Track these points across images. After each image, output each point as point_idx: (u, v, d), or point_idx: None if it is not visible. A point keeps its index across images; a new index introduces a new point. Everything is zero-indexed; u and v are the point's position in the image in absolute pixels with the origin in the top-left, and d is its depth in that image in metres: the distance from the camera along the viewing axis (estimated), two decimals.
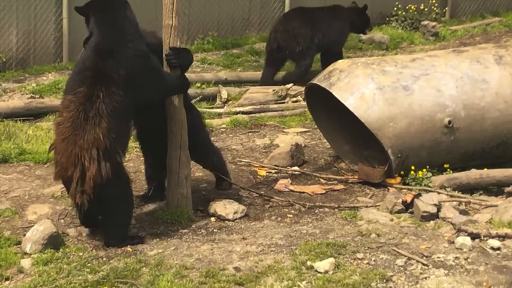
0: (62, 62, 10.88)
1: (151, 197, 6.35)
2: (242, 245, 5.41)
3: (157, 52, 5.87)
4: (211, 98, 9.76)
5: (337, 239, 5.44)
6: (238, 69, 11.20)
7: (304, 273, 4.89)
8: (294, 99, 9.56)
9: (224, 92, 9.70)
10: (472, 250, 5.16)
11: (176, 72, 5.96)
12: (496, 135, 7.03)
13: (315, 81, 7.22)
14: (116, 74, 5.39)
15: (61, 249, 5.41)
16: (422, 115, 6.77)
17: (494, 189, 6.69)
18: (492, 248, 5.17)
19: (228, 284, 4.81)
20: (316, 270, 4.92)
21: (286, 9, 12.85)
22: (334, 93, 6.90)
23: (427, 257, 5.09)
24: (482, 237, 5.30)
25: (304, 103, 8.80)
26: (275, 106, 9.42)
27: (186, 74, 6.09)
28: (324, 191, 6.77)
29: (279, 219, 6.16)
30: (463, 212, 5.95)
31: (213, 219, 6.10)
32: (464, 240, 5.24)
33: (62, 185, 6.04)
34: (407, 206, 6.10)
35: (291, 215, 6.24)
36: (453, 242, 5.28)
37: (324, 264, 4.94)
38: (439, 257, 5.08)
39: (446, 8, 14.95)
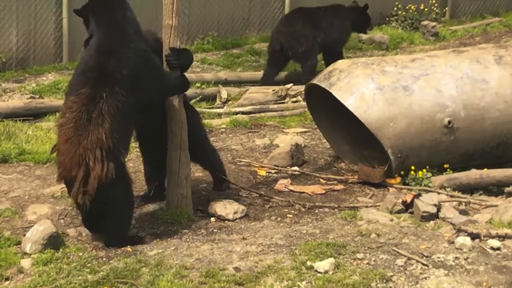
0: (62, 62, 10.89)
1: (151, 197, 6.35)
2: (242, 245, 5.40)
3: (156, 52, 5.87)
4: (211, 98, 9.77)
5: (337, 239, 5.44)
6: (238, 70, 11.20)
7: (304, 273, 4.89)
8: (294, 99, 9.57)
9: (224, 92, 9.70)
10: (472, 250, 5.16)
11: (176, 73, 5.96)
12: (496, 135, 7.03)
13: (315, 81, 7.23)
14: (119, 74, 5.39)
15: (61, 250, 5.41)
16: (422, 115, 6.77)
17: (494, 189, 6.69)
18: (492, 248, 5.17)
19: (228, 284, 4.80)
20: (316, 270, 4.92)
21: (286, 9, 12.87)
22: (334, 93, 6.90)
23: (427, 257, 5.09)
24: (482, 237, 5.30)
25: (304, 103, 8.80)
26: (275, 106, 9.42)
27: (186, 74, 6.09)
28: (323, 191, 6.78)
29: (279, 219, 6.16)
30: (463, 212, 5.95)
31: (213, 219, 6.10)
32: (464, 240, 5.24)
33: (62, 186, 6.05)
34: (407, 206, 6.10)
35: (291, 215, 6.24)
36: (453, 242, 5.28)
37: (323, 264, 4.94)
38: (439, 257, 5.08)
39: (446, 8, 14.95)
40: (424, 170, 6.78)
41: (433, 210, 5.90)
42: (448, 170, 6.82)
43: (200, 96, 9.60)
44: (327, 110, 7.50)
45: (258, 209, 6.35)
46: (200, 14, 12.26)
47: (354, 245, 5.29)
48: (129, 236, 5.65)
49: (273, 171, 7.23)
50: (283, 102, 9.52)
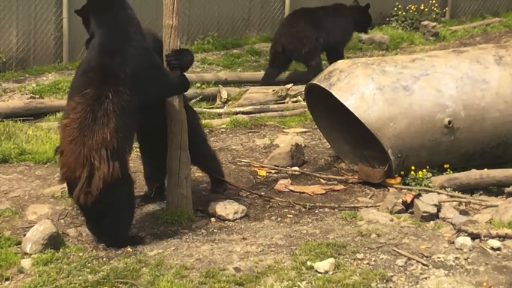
0: (62, 62, 10.89)
1: (151, 198, 6.34)
2: (242, 245, 5.40)
3: (156, 51, 5.87)
4: (211, 98, 9.77)
5: (337, 239, 5.44)
6: (238, 70, 11.20)
7: (304, 274, 4.89)
8: (294, 99, 9.57)
9: (224, 92, 9.70)
10: (472, 250, 5.16)
11: (176, 73, 5.96)
12: (496, 136, 7.03)
13: (315, 81, 7.23)
14: (123, 73, 5.39)
15: (61, 250, 5.41)
16: (423, 115, 6.77)
17: (494, 189, 6.69)
18: (492, 248, 5.17)
19: (228, 284, 4.80)
20: (316, 271, 4.92)
21: (286, 9, 12.87)
22: (334, 93, 6.90)
23: (427, 257, 5.09)
24: (482, 238, 5.30)
25: (304, 103, 8.80)
26: (275, 106, 9.42)
27: (186, 74, 6.08)
28: (324, 191, 6.77)
29: (279, 219, 6.16)
30: (463, 212, 5.95)
31: (213, 219, 6.10)
32: (464, 240, 5.24)
33: (62, 186, 6.06)
34: (408, 206, 6.10)
35: (291, 215, 6.24)
36: (453, 242, 5.28)
37: (324, 265, 4.94)
38: (439, 257, 5.08)
39: (447, 8, 14.96)
40: (424, 170, 6.78)
41: (433, 210, 5.90)
42: (448, 170, 6.82)
43: (200, 96, 9.61)
44: (327, 110, 7.50)
45: (258, 209, 6.35)
46: (200, 14, 12.26)
47: (354, 245, 5.29)
48: (129, 236, 5.65)
49: (273, 171, 7.23)
50: (284, 102, 9.52)
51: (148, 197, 6.35)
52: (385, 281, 4.79)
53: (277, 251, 5.27)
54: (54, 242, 5.41)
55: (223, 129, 8.58)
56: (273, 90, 9.60)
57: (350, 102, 6.80)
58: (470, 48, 7.69)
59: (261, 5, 12.99)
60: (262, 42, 12.35)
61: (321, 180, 7.07)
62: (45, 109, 8.89)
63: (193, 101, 9.26)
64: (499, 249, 5.17)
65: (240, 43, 12.44)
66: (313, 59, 10.23)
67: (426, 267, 4.95)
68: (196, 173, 6.88)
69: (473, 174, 6.73)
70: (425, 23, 13.59)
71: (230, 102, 9.62)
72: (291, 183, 6.90)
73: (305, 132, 8.53)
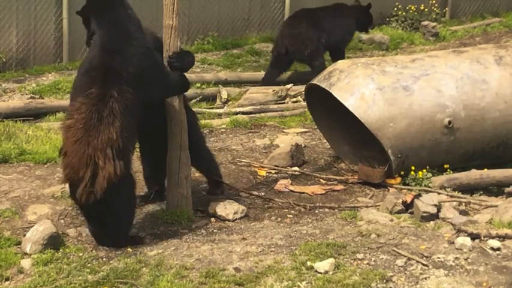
0: (62, 62, 10.89)
1: (151, 198, 6.34)
2: (242, 246, 5.40)
3: (156, 50, 5.87)
4: (211, 99, 9.77)
5: (337, 239, 5.44)
6: (238, 70, 11.20)
7: (304, 274, 4.89)
8: (294, 99, 9.57)
9: (224, 93, 9.70)
10: (472, 250, 5.16)
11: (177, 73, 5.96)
12: (496, 136, 7.03)
13: (315, 81, 7.23)
14: (125, 72, 5.38)
15: (61, 250, 5.41)
16: (423, 115, 6.77)
17: (494, 189, 6.69)
18: (492, 249, 5.17)
19: (228, 285, 4.80)
20: (316, 271, 4.92)
21: (286, 9, 12.87)
22: (334, 93, 6.90)
23: (427, 257, 5.09)
24: (482, 238, 5.30)
25: (304, 103, 8.80)
26: (275, 106, 9.42)
27: (186, 74, 6.09)
28: (324, 192, 6.77)
29: (279, 219, 6.16)
30: (463, 213, 5.95)
31: (213, 219, 6.10)
32: (464, 240, 5.24)
33: (62, 186, 6.06)
34: (407, 207, 6.10)
35: (291, 216, 6.24)
36: (453, 243, 5.28)
37: (324, 265, 4.94)
38: (439, 258, 5.08)
39: (447, 9, 14.96)
40: (424, 170, 6.78)
41: (433, 210, 5.90)
42: (448, 170, 6.82)
43: (200, 97, 9.61)
44: (327, 110, 7.50)
45: (258, 209, 6.35)
46: (200, 14, 12.26)
47: (354, 245, 5.29)
48: (129, 236, 5.65)
49: (273, 171, 7.23)
50: (284, 103, 9.52)
51: (148, 197, 6.35)
52: (385, 281, 4.79)
53: (277, 251, 5.27)
54: (54, 242, 5.41)
55: (223, 130, 8.58)
56: (273, 91, 9.60)
57: (350, 103, 6.80)
58: (470, 49, 7.69)
59: (261, 5, 12.99)
60: (262, 42, 12.35)
61: (321, 180, 7.07)
62: (45, 109, 8.89)
63: (193, 101, 9.26)
64: (499, 249, 5.16)
65: (240, 43, 12.44)
66: (316, 59, 10.25)
67: (426, 268, 4.95)
68: (196, 173, 6.88)
69: (473, 175, 6.73)
70: (425, 23, 13.59)
71: (230, 103, 9.62)
72: (291, 184, 6.90)
73: (305, 132, 8.53)
